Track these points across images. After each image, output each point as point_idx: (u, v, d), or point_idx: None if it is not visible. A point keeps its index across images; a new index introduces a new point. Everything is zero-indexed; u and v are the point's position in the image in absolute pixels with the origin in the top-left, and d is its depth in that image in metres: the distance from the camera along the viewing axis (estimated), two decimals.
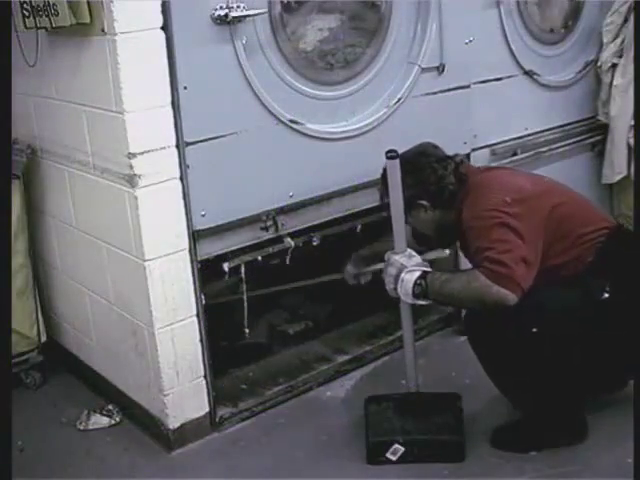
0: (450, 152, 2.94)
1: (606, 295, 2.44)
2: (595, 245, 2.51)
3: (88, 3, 2.37)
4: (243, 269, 2.79)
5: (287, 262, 2.90)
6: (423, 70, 3.04)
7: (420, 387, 2.72)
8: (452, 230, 2.62)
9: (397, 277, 2.50)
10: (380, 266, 2.67)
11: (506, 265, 2.32)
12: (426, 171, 2.59)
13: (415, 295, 2.47)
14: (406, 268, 2.49)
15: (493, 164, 3.35)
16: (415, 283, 2.46)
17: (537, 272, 2.39)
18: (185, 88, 2.48)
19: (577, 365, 2.46)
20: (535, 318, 2.39)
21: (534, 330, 2.39)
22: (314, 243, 2.94)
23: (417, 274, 2.47)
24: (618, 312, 2.44)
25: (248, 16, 2.53)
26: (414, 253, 2.55)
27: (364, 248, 3.00)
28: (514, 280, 2.32)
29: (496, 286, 2.32)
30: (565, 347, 2.43)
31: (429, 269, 2.51)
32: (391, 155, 2.45)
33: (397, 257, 2.52)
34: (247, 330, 2.93)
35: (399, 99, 3.01)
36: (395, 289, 2.51)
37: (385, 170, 2.57)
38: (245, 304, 2.86)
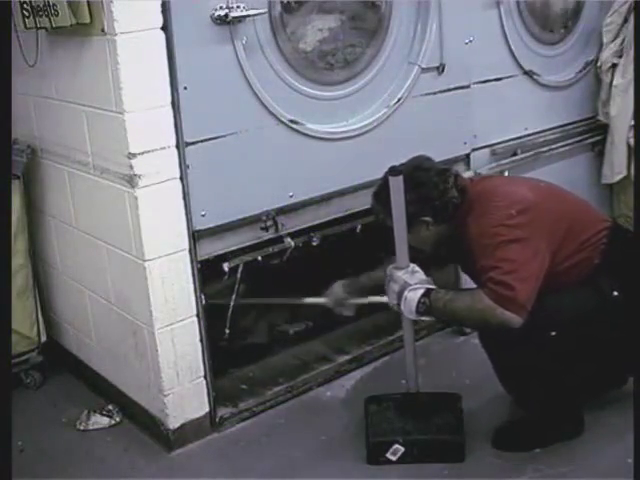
0: (450, 152, 2.95)
1: (615, 293, 2.44)
2: (599, 247, 2.50)
3: (88, 3, 2.37)
4: (240, 269, 2.78)
5: (286, 261, 2.90)
6: (423, 70, 3.04)
7: (420, 387, 2.72)
8: (451, 244, 2.58)
9: (400, 294, 2.46)
10: (370, 300, 2.66)
11: (511, 287, 2.30)
12: (428, 186, 2.52)
13: (418, 313, 2.45)
14: (409, 286, 2.46)
15: (493, 164, 3.35)
16: (419, 302, 2.44)
17: (545, 277, 2.37)
18: (185, 88, 2.48)
19: (586, 364, 2.48)
20: (553, 322, 2.38)
21: (552, 334, 2.39)
22: (314, 243, 2.95)
23: (420, 292, 2.44)
24: (627, 309, 2.44)
25: (248, 16, 2.53)
26: (417, 268, 2.52)
27: (363, 274, 2.91)
28: (518, 303, 2.30)
29: (500, 308, 2.31)
30: (580, 348, 2.44)
31: (432, 286, 2.48)
32: (394, 172, 2.42)
33: (400, 273, 2.49)
34: (227, 331, 2.94)
35: (399, 99, 3.01)
36: (398, 305, 2.49)
37: (379, 188, 2.56)
38: (230, 309, 2.87)
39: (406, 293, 2.46)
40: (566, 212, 2.52)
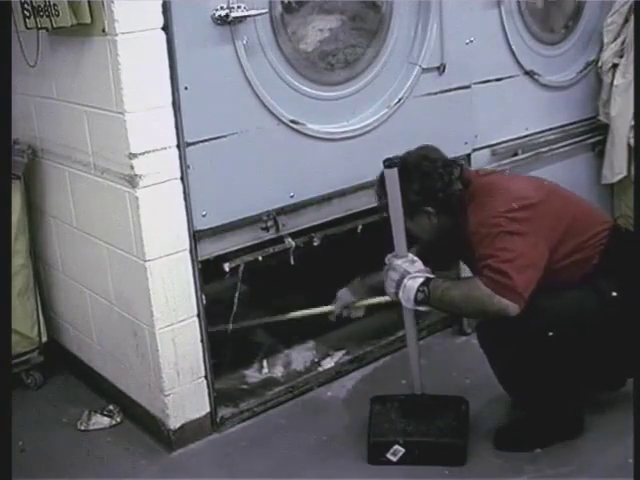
0: (451, 152, 2.94)
1: (614, 294, 2.44)
2: (599, 247, 2.50)
3: (89, 3, 2.38)
4: (241, 269, 2.79)
5: (291, 262, 2.89)
6: (424, 70, 3.04)
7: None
8: (452, 236, 2.58)
9: (399, 282, 2.47)
10: (380, 299, 2.66)
11: (507, 275, 2.31)
12: (433, 177, 2.52)
13: (417, 302, 2.46)
14: (409, 274, 2.46)
15: (493, 164, 3.35)
16: (418, 290, 2.44)
17: (543, 275, 2.38)
18: (186, 88, 2.48)
19: (584, 364, 2.48)
20: (551, 322, 2.39)
21: (550, 334, 2.39)
22: (315, 243, 2.95)
23: (420, 281, 2.45)
24: (626, 310, 2.44)
25: (249, 16, 2.53)
26: (416, 258, 2.53)
27: (370, 276, 2.86)
28: (515, 290, 2.31)
29: (497, 296, 2.31)
30: (577, 348, 2.44)
31: (432, 275, 2.48)
32: (389, 164, 2.42)
33: (399, 262, 2.50)
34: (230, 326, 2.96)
35: (400, 99, 3.01)
36: (396, 294, 2.50)
37: (378, 180, 2.56)
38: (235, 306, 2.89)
39: (405, 281, 2.46)
40: (568, 212, 2.52)
